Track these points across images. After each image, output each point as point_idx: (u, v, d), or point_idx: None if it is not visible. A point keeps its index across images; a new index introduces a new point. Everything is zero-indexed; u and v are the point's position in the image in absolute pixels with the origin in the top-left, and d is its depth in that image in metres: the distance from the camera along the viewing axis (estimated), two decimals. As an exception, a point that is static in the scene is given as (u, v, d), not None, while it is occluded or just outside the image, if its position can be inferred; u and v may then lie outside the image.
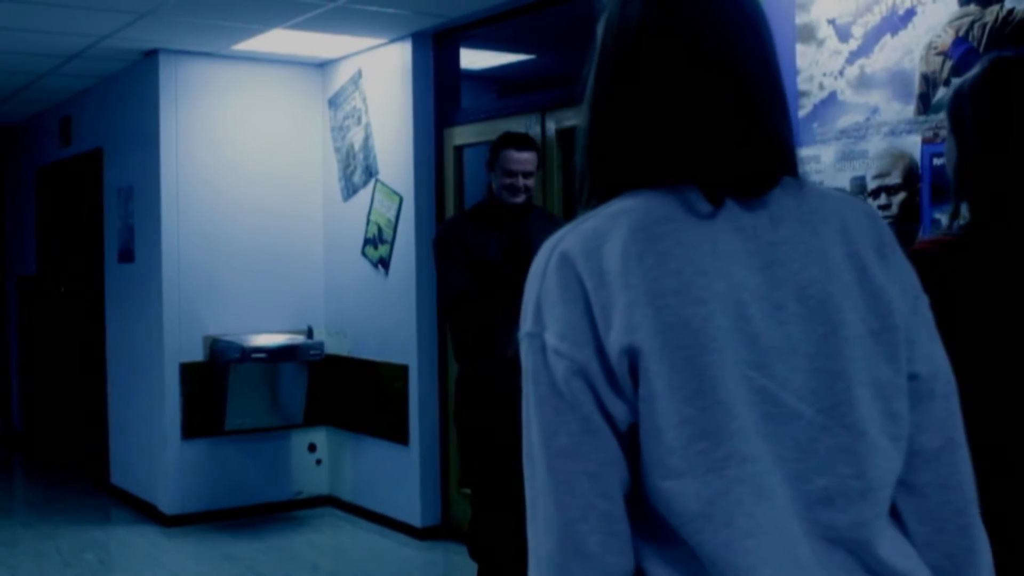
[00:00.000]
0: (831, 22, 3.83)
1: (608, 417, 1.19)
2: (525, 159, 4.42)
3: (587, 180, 1.32)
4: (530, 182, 4.46)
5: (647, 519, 1.22)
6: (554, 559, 1.20)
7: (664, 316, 1.17)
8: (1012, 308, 1.82)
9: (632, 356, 1.17)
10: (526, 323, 1.24)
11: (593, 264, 1.20)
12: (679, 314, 1.18)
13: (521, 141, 4.49)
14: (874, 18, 3.69)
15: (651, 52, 1.26)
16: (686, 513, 1.17)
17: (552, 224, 4.35)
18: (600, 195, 1.30)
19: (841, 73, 3.80)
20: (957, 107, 1.94)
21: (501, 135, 4.56)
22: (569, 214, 6.22)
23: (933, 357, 1.32)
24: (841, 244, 1.26)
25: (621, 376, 1.18)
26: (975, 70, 1.93)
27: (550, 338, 1.21)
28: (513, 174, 4.40)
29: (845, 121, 3.79)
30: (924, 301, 1.33)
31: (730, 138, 1.25)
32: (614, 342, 1.18)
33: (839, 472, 1.21)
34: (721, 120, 1.25)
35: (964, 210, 1.95)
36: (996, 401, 1.76)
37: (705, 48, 1.25)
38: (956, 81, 1.98)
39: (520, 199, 4.45)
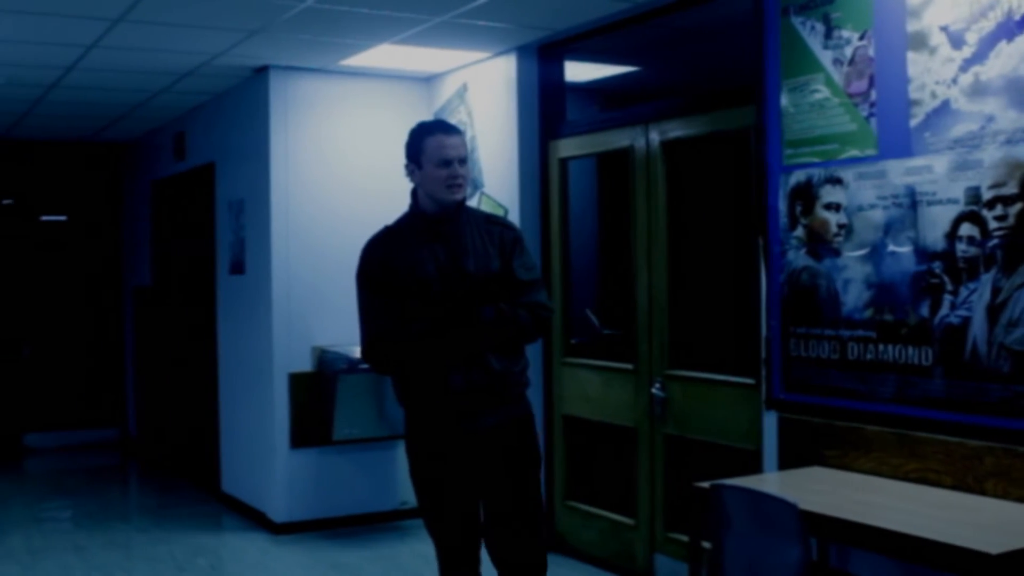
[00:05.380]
0: (944, 29, 3.74)
1: None
2: (458, 143, 3.73)
3: None
4: (466, 171, 3.76)
5: None
6: None
7: None
8: None
9: None
10: None
11: None
12: None
13: (447, 125, 3.83)
14: (989, 24, 3.59)
15: None
16: None
17: (492, 224, 3.85)
18: None
19: (954, 81, 3.70)
20: None
21: (417, 125, 3.87)
22: (675, 229, 5.97)
23: None
24: None
25: None
26: None
27: None
28: (449, 162, 3.67)
29: (959, 130, 3.69)
30: None
31: None
32: None
33: None
34: None
35: None
36: None
37: None
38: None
39: (461, 195, 3.73)
